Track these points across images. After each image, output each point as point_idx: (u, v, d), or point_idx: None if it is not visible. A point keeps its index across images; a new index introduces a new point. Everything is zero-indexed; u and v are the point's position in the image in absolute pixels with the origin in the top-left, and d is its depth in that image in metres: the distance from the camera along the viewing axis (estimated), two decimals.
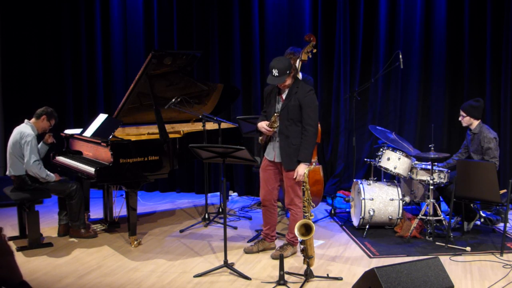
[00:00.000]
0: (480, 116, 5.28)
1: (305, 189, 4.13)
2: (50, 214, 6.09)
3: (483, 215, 5.31)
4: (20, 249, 4.86)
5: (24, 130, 5.06)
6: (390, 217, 5.27)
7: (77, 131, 5.54)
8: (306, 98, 4.32)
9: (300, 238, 3.99)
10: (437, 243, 4.88)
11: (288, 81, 4.37)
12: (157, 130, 5.30)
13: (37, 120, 5.18)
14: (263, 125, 4.43)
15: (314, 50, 5.46)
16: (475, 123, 5.28)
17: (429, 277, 3.36)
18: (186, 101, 5.46)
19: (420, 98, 6.55)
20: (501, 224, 5.12)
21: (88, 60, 7.56)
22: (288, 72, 4.29)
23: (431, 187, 5.03)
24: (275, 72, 4.26)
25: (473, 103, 5.27)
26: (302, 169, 4.29)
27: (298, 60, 5.37)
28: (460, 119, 5.36)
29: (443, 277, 3.41)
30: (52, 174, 5.09)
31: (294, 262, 4.45)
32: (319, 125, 5.34)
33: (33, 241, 4.89)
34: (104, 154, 4.91)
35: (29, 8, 7.51)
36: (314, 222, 5.49)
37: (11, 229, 5.50)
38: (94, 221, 5.73)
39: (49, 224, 5.69)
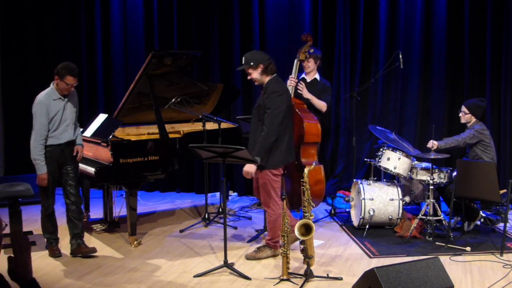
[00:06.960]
0: (480, 116, 5.30)
1: (305, 189, 4.13)
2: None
3: (483, 215, 5.31)
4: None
5: (38, 96, 4.51)
6: (390, 217, 5.27)
7: None
8: (267, 100, 4.25)
9: (300, 238, 3.99)
10: (437, 243, 4.88)
11: (254, 75, 4.31)
12: (157, 130, 5.30)
13: (55, 81, 4.48)
14: None
15: (312, 50, 5.46)
16: (473, 121, 5.30)
17: (429, 277, 3.36)
18: (186, 101, 5.45)
19: (420, 98, 6.55)
20: (501, 224, 5.11)
21: (88, 60, 7.54)
22: (251, 63, 4.27)
23: (431, 187, 5.03)
24: (243, 59, 4.33)
25: (479, 102, 5.29)
26: (247, 167, 4.31)
27: (296, 60, 5.36)
28: (460, 115, 5.37)
29: (443, 277, 3.41)
30: (44, 168, 4.42)
31: (294, 262, 4.43)
32: (318, 125, 5.35)
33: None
34: (104, 154, 4.90)
35: (29, 9, 7.50)
36: (314, 222, 5.48)
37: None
38: (94, 221, 5.73)
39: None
